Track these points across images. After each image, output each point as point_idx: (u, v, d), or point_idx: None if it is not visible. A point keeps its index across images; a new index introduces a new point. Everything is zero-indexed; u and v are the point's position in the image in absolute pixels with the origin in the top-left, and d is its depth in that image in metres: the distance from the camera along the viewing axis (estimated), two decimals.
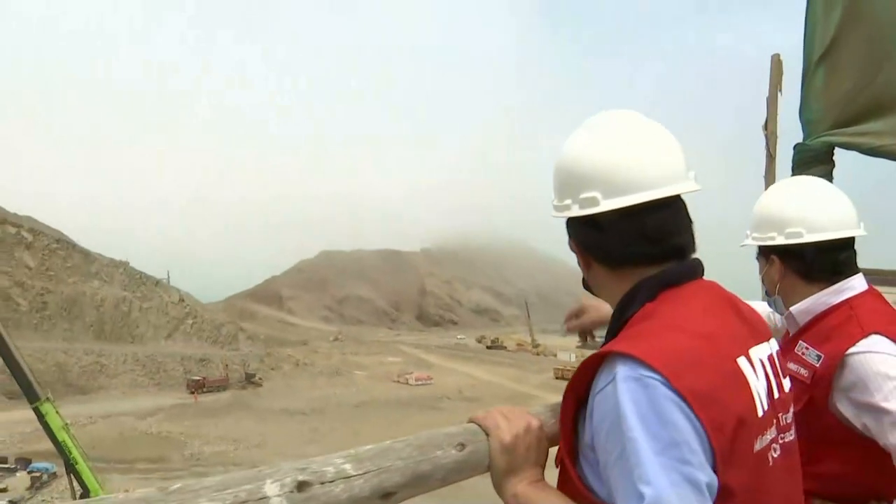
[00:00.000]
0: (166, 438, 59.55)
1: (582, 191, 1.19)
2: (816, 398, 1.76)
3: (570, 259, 1.31)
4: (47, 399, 23.30)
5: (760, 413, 1.09)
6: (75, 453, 23.79)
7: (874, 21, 2.86)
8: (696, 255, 1.25)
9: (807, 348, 1.82)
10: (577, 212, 1.20)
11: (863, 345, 1.70)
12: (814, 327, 1.85)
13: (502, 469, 1.16)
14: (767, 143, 3.03)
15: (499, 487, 1.17)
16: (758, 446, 1.08)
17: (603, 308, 1.94)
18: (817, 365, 1.77)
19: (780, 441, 1.17)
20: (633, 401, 0.99)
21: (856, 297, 1.84)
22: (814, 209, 1.86)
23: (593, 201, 1.17)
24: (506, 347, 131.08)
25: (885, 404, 1.62)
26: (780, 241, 1.87)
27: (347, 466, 0.93)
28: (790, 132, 3.04)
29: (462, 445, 1.13)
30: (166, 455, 53.25)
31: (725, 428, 1.00)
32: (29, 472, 47.43)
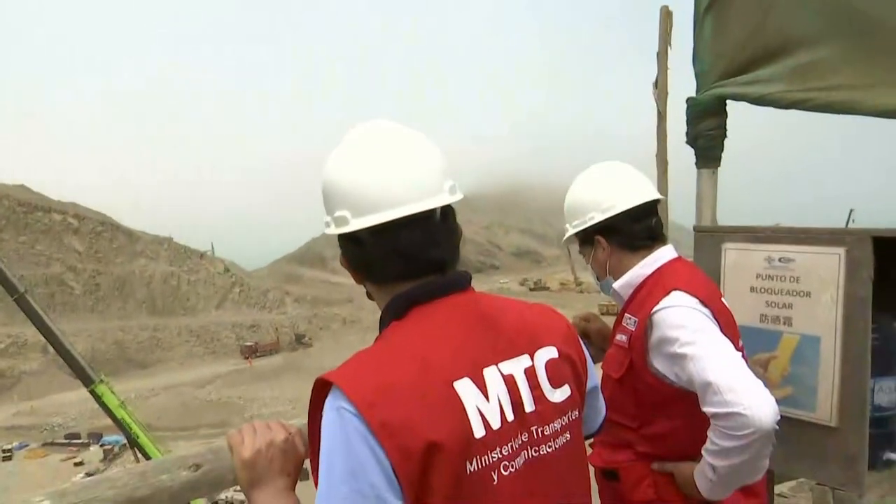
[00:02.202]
0: (226, 404, 62.12)
1: (335, 209, 1.21)
2: (635, 360, 1.87)
3: None
4: (101, 381, 24.51)
5: (480, 434, 1.09)
6: (135, 428, 25.08)
7: None
8: (461, 269, 1.25)
9: (629, 318, 1.93)
10: (333, 230, 1.22)
11: (664, 301, 1.81)
12: (634, 298, 1.95)
13: (245, 483, 1.27)
14: (657, 102, 3.00)
15: (247, 498, 1.30)
16: (473, 467, 1.08)
17: (606, 328, 2.24)
18: (633, 329, 1.88)
19: (531, 454, 1.17)
20: (329, 433, 1.06)
21: (665, 265, 1.95)
22: (619, 183, 2.00)
23: (344, 220, 1.19)
24: (549, 288, 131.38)
25: (681, 350, 1.72)
26: (599, 217, 1.98)
27: (46, 503, 1.07)
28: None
29: (197, 466, 1.26)
30: (227, 420, 55.61)
31: (414, 456, 1.02)
32: (101, 446, 50.47)
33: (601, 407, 1.48)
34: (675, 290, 1.82)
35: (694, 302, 1.80)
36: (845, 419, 2.15)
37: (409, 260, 1.18)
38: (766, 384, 2.31)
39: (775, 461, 2.41)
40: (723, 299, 1.97)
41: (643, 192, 1.99)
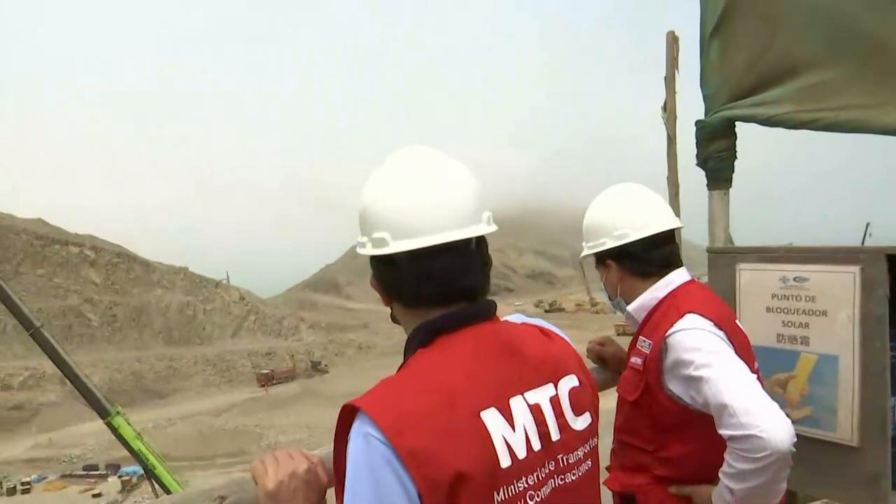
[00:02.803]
0: (243, 432, 62.00)
1: (374, 230, 1.23)
2: (651, 383, 1.88)
3: None
4: (117, 413, 24.68)
5: (507, 464, 1.11)
6: (152, 459, 25.16)
7: None
8: (488, 297, 1.28)
9: (644, 341, 1.94)
10: (370, 250, 1.25)
11: (679, 324, 1.82)
12: (649, 321, 1.97)
13: None
14: (666, 125, 3.04)
15: None
16: (500, 497, 1.10)
17: (621, 351, 2.28)
18: (648, 352, 1.89)
19: (557, 482, 1.20)
20: (356, 459, 1.07)
21: (679, 287, 1.97)
22: (634, 210, 2.02)
23: (383, 242, 1.21)
24: (564, 309, 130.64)
25: (696, 373, 1.73)
26: (611, 243, 2.01)
27: None
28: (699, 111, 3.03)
29: (222, 498, 1.28)
30: (245, 448, 55.45)
31: (442, 486, 1.04)
32: (119, 477, 50.35)
33: None
34: (690, 312, 1.83)
35: (708, 324, 1.81)
36: (867, 439, 2.14)
37: (441, 286, 1.21)
38: (784, 405, 2.31)
39: (797, 482, 2.39)
40: (737, 321, 1.98)
41: (659, 221, 2.01)
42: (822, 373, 2.24)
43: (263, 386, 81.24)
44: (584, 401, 1.28)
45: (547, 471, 1.18)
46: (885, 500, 2.11)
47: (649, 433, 1.93)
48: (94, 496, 48.08)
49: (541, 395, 1.22)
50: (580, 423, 1.26)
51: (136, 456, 25.18)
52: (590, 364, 2.31)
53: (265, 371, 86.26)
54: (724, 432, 1.64)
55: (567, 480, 1.21)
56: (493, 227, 1.27)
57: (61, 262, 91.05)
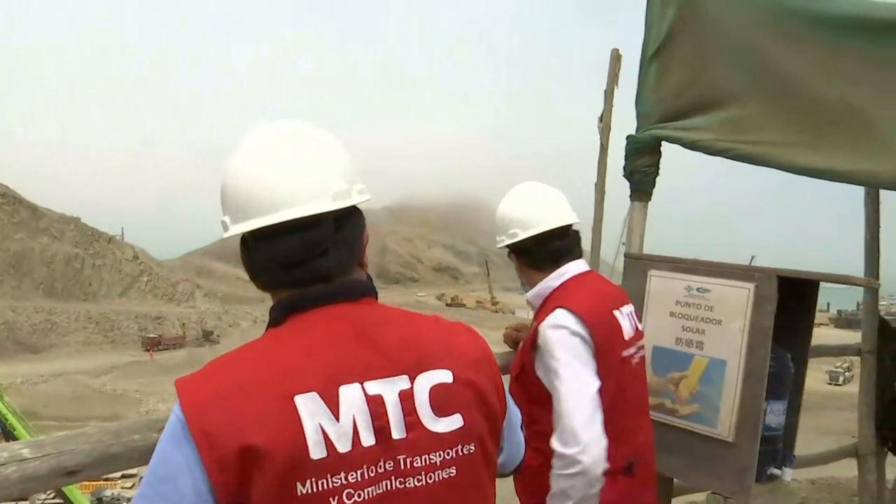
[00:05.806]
0: (121, 396, 59.20)
1: (223, 213, 1.15)
2: (526, 364, 2.09)
3: None
4: None
5: (320, 455, 0.99)
6: (11, 420, 23.59)
7: (705, 21, 3.04)
8: (352, 277, 1.16)
9: (537, 326, 2.10)
10: (220, 234, 1.17)
11: (548, 319, 1.99)
12: (543, 309, 2.14)
13: None
14: (601, 135, 3.24)
15: None
16: (305, 490, 0.98)
17: None
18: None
19: (395, 485, 1.05)
20: (162, 437, 1.03)
21: (570, 279, 2.14)
22: (525, 210, 2.18)
23: (225, 226, 1.14)
24: (465, 305, 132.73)
25: (553, 377, 1.95)
26: (506, 241, 2.20)
27: (25, 451, 1.11)
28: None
29: None
30: (121, 413, 52.91)
31: (230, 464, 0.96)
32: None
33: (518, 443, 1.40)
34: (560, 307, 2.00)
35: (573, 321, 1.97)
36: (740, 435, 2.41)
37: (288, 269, 1.11)
38: (675, 401, 2.56)
39: (679, 471, 2.65)
40: (618, 311, 2.12)
41: (546, 220, 2.14)
42: (711, 375, 2.49)
43: (149, 350, 77.85)
44: (457, 401, 1.13)
45: (382, 470, 1.04)
46: (748, 490, 2.38)
47: (525, 406, 2.10)
48: None
49: (386, 387, 1.07)
50: (443, 424, 1.10)
51: None
52: (506, 349, 2.46)
53: (152, 335, 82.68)
54: (553, 442, 1.89)
55: (409, 485, 1.06)
56: (344, 203, 1.13)
57: None
